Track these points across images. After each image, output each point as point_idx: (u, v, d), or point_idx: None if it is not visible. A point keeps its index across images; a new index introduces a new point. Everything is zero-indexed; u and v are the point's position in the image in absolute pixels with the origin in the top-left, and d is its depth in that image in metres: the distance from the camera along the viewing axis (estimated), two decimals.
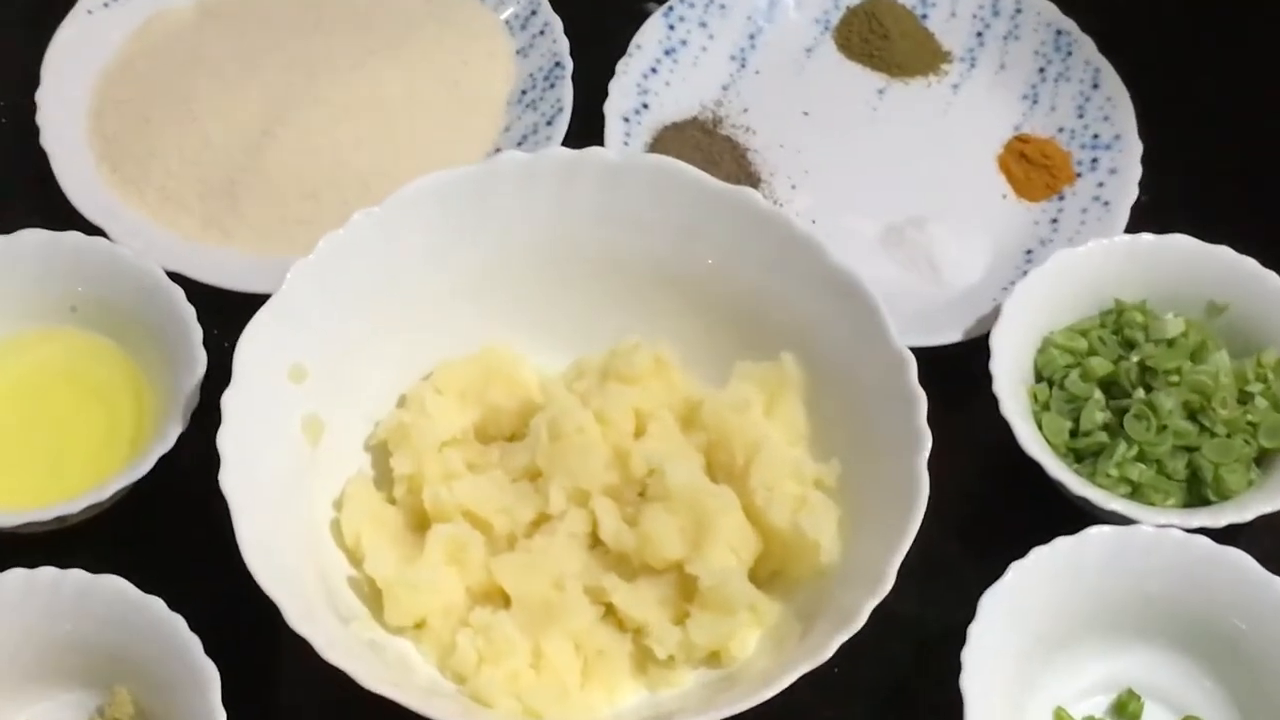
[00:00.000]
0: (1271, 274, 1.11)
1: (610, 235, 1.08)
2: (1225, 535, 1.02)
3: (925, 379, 1.01)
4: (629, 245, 1.08)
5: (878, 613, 0.93)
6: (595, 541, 1.02)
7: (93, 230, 1.13)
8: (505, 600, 1.01)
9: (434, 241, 1.06)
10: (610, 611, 1.01)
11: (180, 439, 1.02)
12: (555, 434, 1.03)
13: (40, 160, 1.19)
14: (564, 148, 1.07)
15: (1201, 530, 1.01)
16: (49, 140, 1.19)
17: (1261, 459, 1.07)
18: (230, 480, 0.94)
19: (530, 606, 1.00)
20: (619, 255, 1.09)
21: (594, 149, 1.07)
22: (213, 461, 0.95)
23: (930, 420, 0.99)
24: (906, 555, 0.95)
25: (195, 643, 0.93)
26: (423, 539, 1.01)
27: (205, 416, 1.00)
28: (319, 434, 1.02)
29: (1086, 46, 1.27)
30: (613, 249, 1.08)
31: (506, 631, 0.98)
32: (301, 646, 0.91)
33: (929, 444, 0.98)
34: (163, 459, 1.02)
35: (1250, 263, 1.11)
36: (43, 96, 1.21)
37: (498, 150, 1.22)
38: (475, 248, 1.07)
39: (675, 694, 1.00)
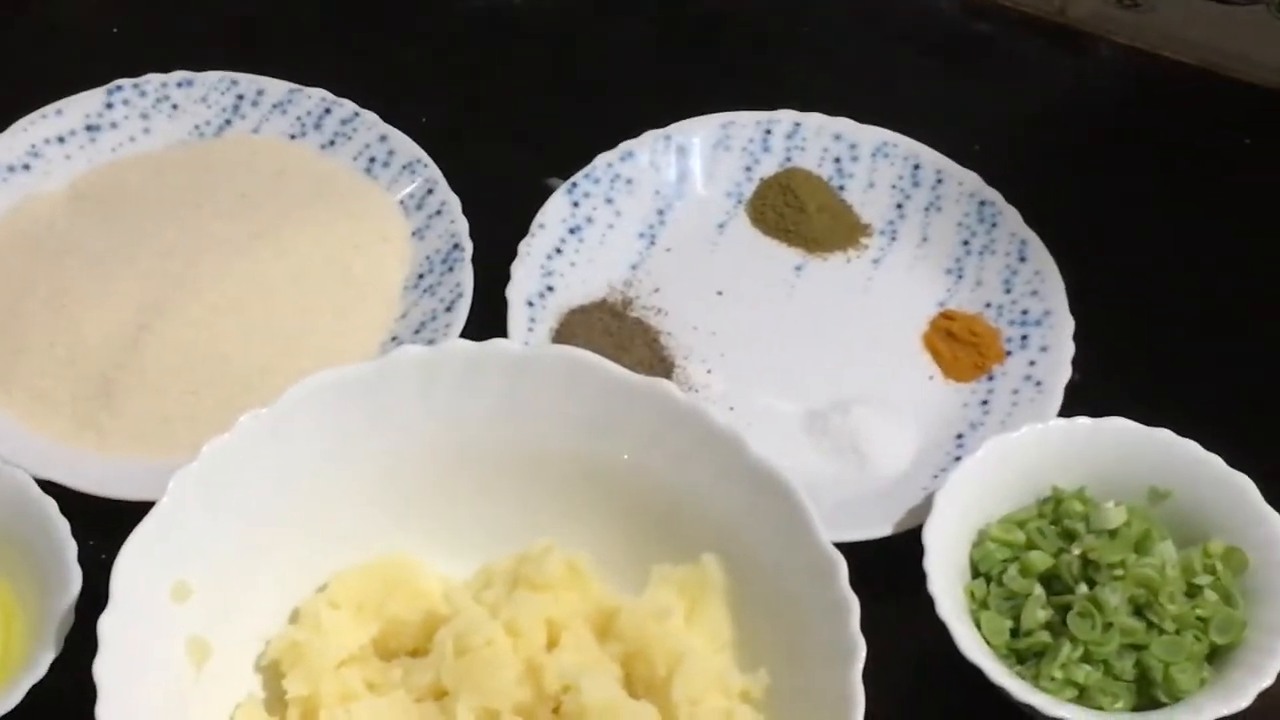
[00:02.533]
0: (1215, 458, 1.10)
1: (517, 432, 1.06)
2: None
3: (855, 576, 0.99)
4: (537, 443, 1.06)
5: None
6: None
7: None
8: None
9: (327, 444, 1.03)
10: None
11: (53, 666, 0.99)
12: (461, 648, 1.00)
13: None
14: (466, 341, 1.06)
15: None
16: None
17: (1213, 656, 1.06)
18: (108, 714, 0.91)
19: None
20: (527, 453, 1.07)
21: (497, 341, 1.06)
22: (89, 692, 0.91)
23: (862, 622, 0.97)
24: None
25: None
26: None
27: (81, 641, 0.97)
28: (205, 656, 0.99)
29: (1012, 218, 1.27)
30: (520, 447, 1.06)
31: None
32: None
33: (863, 653, 0.96)
34: (34, 689, 0.98)
35: (1192, 446, 1.11)
36: None
37: (394, 339, 1.20)
38: (372, 450, 1.05)
39: None
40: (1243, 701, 1.01)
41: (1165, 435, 1.11)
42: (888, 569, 1.07)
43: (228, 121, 1.31)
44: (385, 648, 1.05)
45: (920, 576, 1.05)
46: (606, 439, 1.06)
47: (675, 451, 1.04)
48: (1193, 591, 1.07)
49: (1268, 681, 1.02)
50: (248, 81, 1.32)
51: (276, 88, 1.32)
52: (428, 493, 1.07)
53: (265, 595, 1.04)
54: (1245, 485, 1.09)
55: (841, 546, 1.01)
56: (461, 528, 1.08)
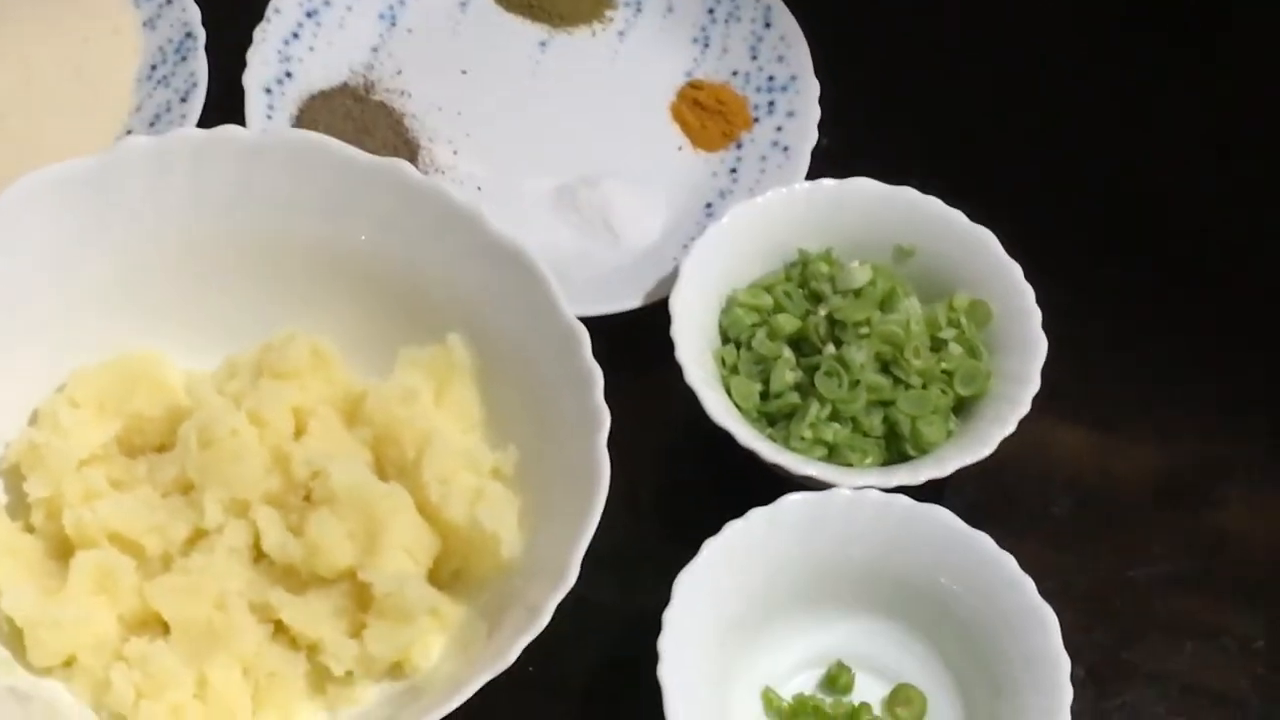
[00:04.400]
0: (957, 214, 1.11)
1: (253, 221, 1.05)
2: (927, 491, 1.02)
3: (607, 349, 1.00)
4: (275, 230, 1.05)
5: (573, 605, 0.92)
6: (259, 555, 1.00)
7: None
8: (164, 627, 0.98)
9: (57, 242, 1.01)
10: (280, 629, 0.99)
11: None
12: (206, 440, 1.00)
13: None
14: (195, 128, 1.04)
15: (901, 489, 1.02)
16: None
17: (959, 408, 1.08)
18: None
19: (191, 632, 0.97)
20: (265, 241, 1.05)
21: (227, 127, 1.04)
22: None
23: (614, 394, 0.98)
24: (599, 542, 0.94)
25: None
26: (66, 568, 0.97)
27: None
28: None
29: None
30: (257, 235, 1.05)
31: (166, 662, 0.95)
32: None
33: (607, 422, 0.97)
34: None
35: (935, 203, 1.12)
36: None
37: (129, 133, 1.18)
38: (105, 245, 1.03)
39: (357, 712, 0.98)
40: (985, 450, 1.03)
41: (908, 193, 1.12)
42: (640, 341, 1.07)
43: None
44: (129, 445, 1.04)
45: (671, 348, 1.06)
46: (344, 222, 1.05)
47: (414, 231, 1.04)
48: (937, 346, 1.09)
49: (1010, 429, 1.04)
50: None
51: None
52: (167, 287, 1.06)
53: (2, 398, 1.02)
54: (987, 238, 1.11)
55: (593, 320, 1.02)
56: (203, 321, 1.07)
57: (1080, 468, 1.14)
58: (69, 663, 0.97)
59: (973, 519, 1.01)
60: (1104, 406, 1.16)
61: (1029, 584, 0.98)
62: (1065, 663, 0.96)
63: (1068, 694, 0.95)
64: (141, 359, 1.04)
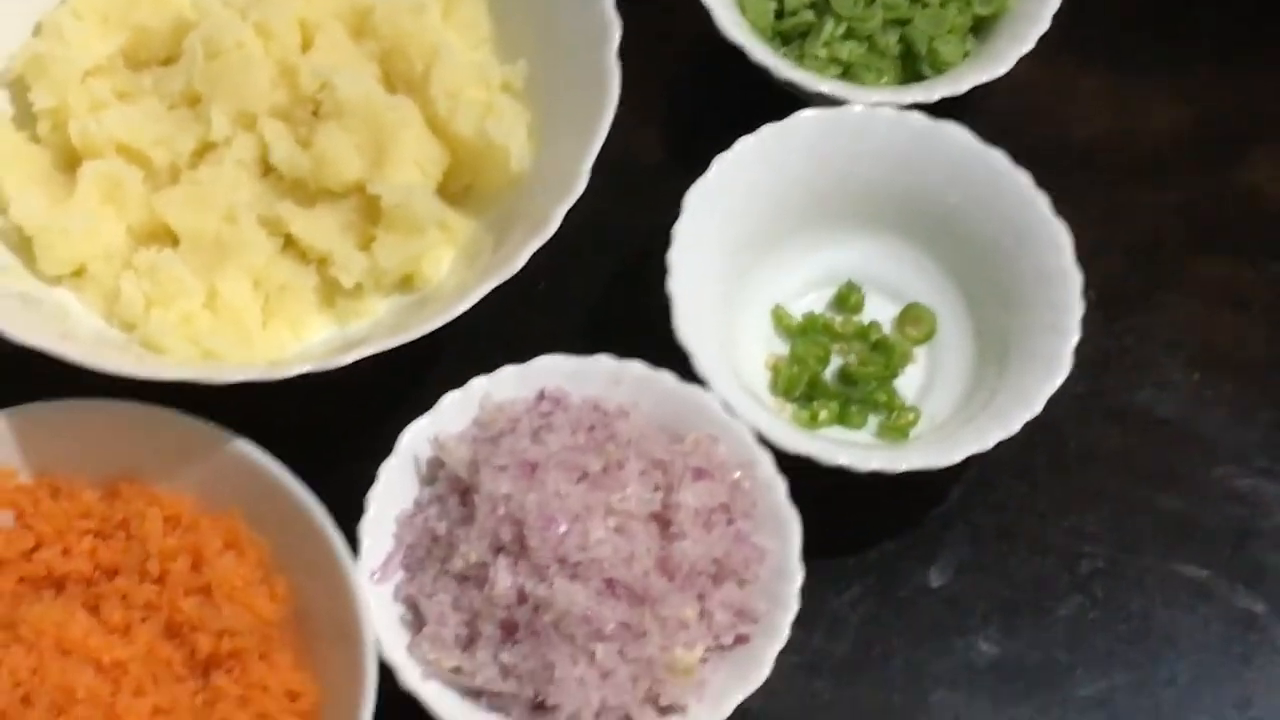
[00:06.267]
0: None
1: None
2: (942, 110, 1.01)
3: None
4: None
5: (583, 221, 0.92)
6: (267, 168, 0.99)
7: None
8: (173, 239, 0.98)
9: None
10: (290, 243, 0.99)
11: None
12: (212, 52, 0.98)
13: None
14: None
15: (916, 106, 1.01)
16: None
17: (977, 28, 1.07)
18: None
19: (200, 243, 0.97)
20: None
21: None
22: None
23: (627, 10, 0.97)
24: (608, 158, 0.93)
25: None
26: (74, 179, 0.97)
27: None
28: None
29: None
30: None
31: (175, 271, 0.96)
32: None
33: (618, 33, 0.96)
34: None
35: None
36: None
37: None
38: None
39: (366, 324, 0.98)
40: (1002, 68, 1.02)
41: None
42: None
43: None
44: (134, 58, 1.02)
45: None
46: None
47: None
48: None
49: (1028, 46, 1.03)
50: None
51: None
52: None
53: (4, 9, 1.01)
54: None
55: None
56: None
57: (1100, 108, 1.12)
58: (79, 273, 0.97)
59: (985, 138, 1.00)
60: (1127, 49, 1.14)
61: (1042, 200, 0.98)
62: (1077, 278, 0.96)
63: (1078, 310, 0.95)
64: None
